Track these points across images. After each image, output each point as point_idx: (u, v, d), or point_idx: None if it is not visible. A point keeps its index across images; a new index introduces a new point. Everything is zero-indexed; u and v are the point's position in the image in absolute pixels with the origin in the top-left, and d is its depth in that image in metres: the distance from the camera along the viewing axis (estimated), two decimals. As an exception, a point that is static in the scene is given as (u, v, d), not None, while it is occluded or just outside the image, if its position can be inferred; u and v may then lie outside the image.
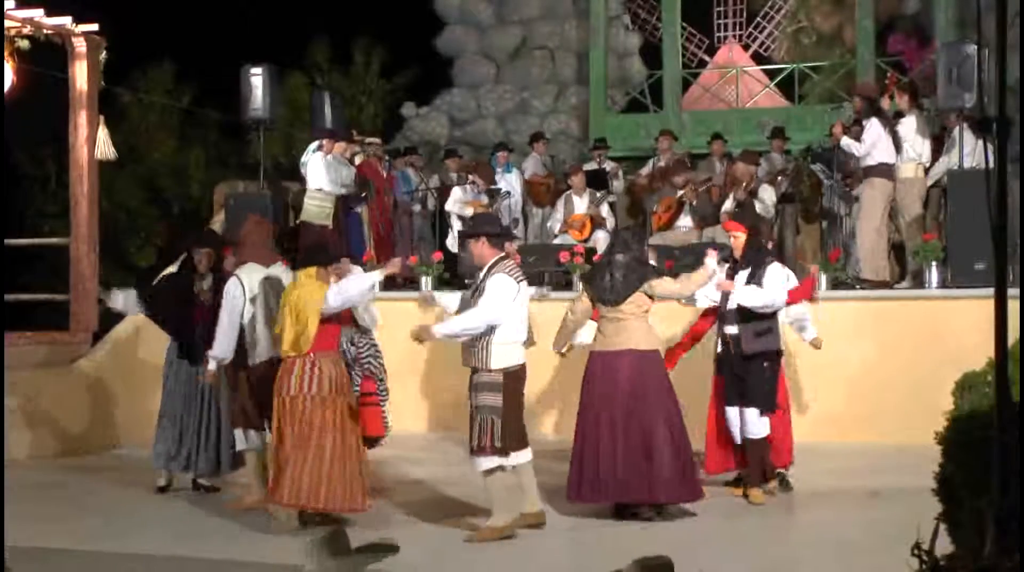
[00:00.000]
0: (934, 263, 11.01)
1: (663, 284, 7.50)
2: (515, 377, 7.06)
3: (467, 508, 7.75)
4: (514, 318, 7.01)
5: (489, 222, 7.52)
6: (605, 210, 13.43)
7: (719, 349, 8.11)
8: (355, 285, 7.32)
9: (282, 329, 7.26)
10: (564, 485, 7.51)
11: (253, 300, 7.91)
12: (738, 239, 8.13)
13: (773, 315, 7.96)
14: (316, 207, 12.31)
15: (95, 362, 11.39)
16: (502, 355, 6.97)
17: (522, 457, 7.14)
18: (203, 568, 6.67)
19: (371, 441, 9.40)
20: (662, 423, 7.30)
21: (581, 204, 13.16)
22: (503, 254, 7.17)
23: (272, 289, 7.91)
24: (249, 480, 8.28)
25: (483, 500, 7.25)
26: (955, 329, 10.16)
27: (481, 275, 7.10)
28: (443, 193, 13.87)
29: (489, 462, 6.97)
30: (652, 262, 7.99)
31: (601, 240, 12.89)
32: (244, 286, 7.92)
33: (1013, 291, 4.32)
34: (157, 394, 9.35)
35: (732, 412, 8.02)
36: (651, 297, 7.47)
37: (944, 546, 3.97)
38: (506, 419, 6.96)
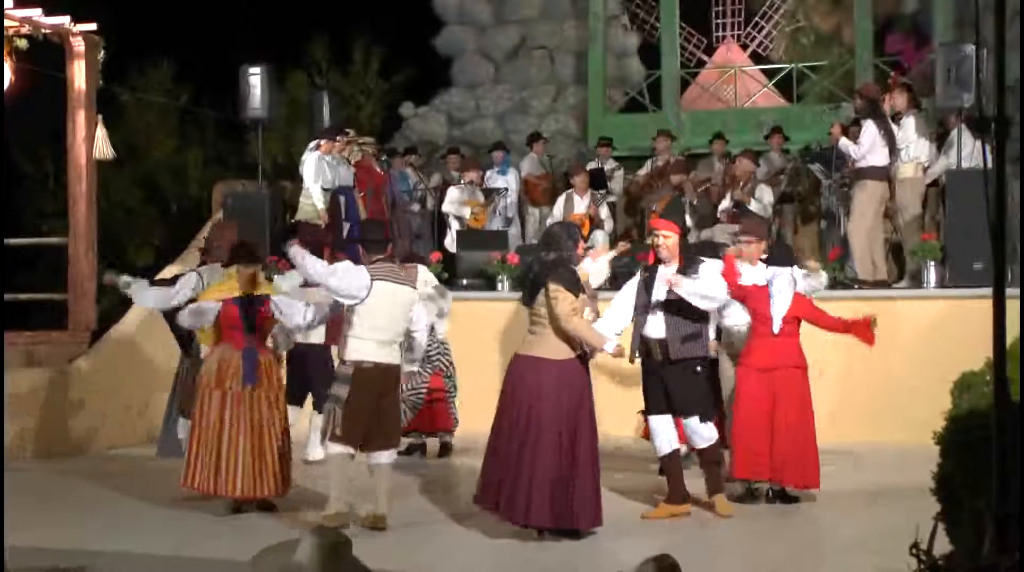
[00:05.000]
0: (932, 263, 11.03)
1: (559, 300, 6.83)
2: (367, 374, 7.14)
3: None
4: (370, 314, 7.15)
5: (368, 231, 7.92)
6: (604, 211, 13.43)
7: (642, 356, 7.55)
8: (287, 310, 7.74)
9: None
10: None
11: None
12: (668, 239, 7.52)
13: (701, 319, 7.54)
14: (312, 206, 12.32)
15: (93, 362, 11.38)
16: (354, 348, 7.17)
17: (380, 458, 7.31)
18: (204, 568, 6.66)
19: (441, 435, 10.13)
20: (553, 441, 6.81)
21: (581, 204, 13.16)
22: (382, 256, 7.38)
23: None
24: None
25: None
26: (953, 329, 10.18)
27: None
28: (444, 192, 13.90)
29: (332, 448, 7.19)
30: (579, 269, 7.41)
31: (600, 241, 12.90)
32: (204, 281, 8.53)
33: (1011, 291, 4.32)
34: (155, 394, 9.41)
35: (663, 420, 7.57)
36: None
37: (943, 546, 3.97)
38: (349, 412, 7.10)
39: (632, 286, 7.69)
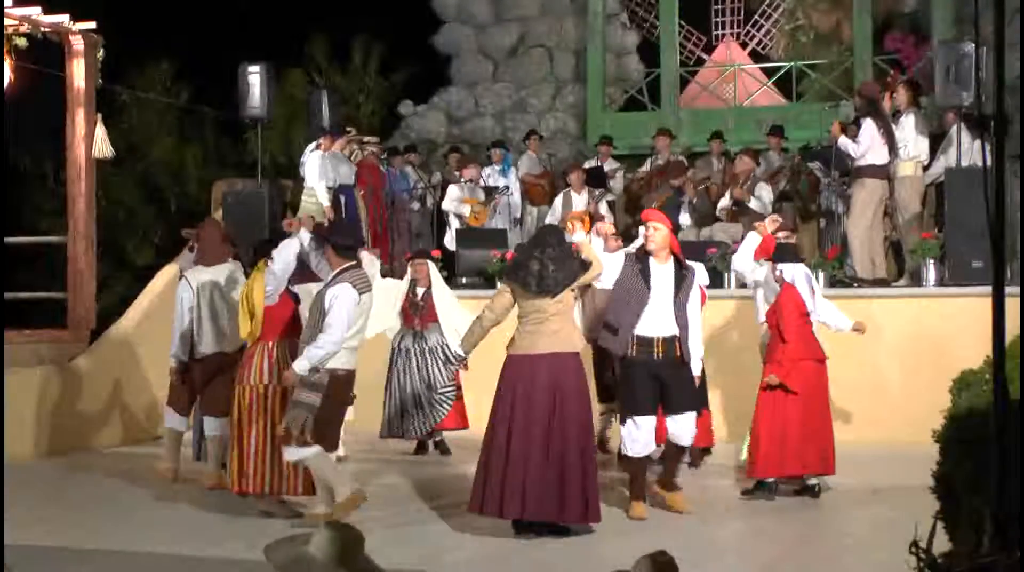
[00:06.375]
0: (931, 261, 11.03)
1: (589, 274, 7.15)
2: (340, 382, 7.15)
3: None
4: (349, 326, 7.11)
5: (340, 232, 7.74)
6: (604, 208, 13.43)
7: (633, 353, 7.47)
8: (279, 255, 7.62)
9: (239, 321, 7.67)
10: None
11: (199, 298, 8.52)
12: (658, 231, 7.49)
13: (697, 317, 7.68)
14: (313, 205, 12.33)
15: (93, 360, 11.38)
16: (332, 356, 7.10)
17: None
18: (206, 567, 6.66)
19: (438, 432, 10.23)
20: (577, 435, 6.89)
21: (580, 202, 13.15)
22: (353, 262, 7.28)
23: (216, 287, 8.52)
24: (165, 455, 8.77)
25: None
26: (952, 327, 10.18)
27: (328, 280, 7.27)
28: (445, 190, 13.91)
29: (295, 453, 7.14)
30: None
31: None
32: (192, 287, 8.54)
33: (1011, 289, 4.32)
34: (154, 392, 9.42)
35: (650, 421, 7.50)
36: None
37: (942, 544, 3.97)
38: (320, 418, 7.06)
39: (616, 264, 7.61)
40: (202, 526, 7.58)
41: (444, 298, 10.01)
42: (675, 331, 7.45)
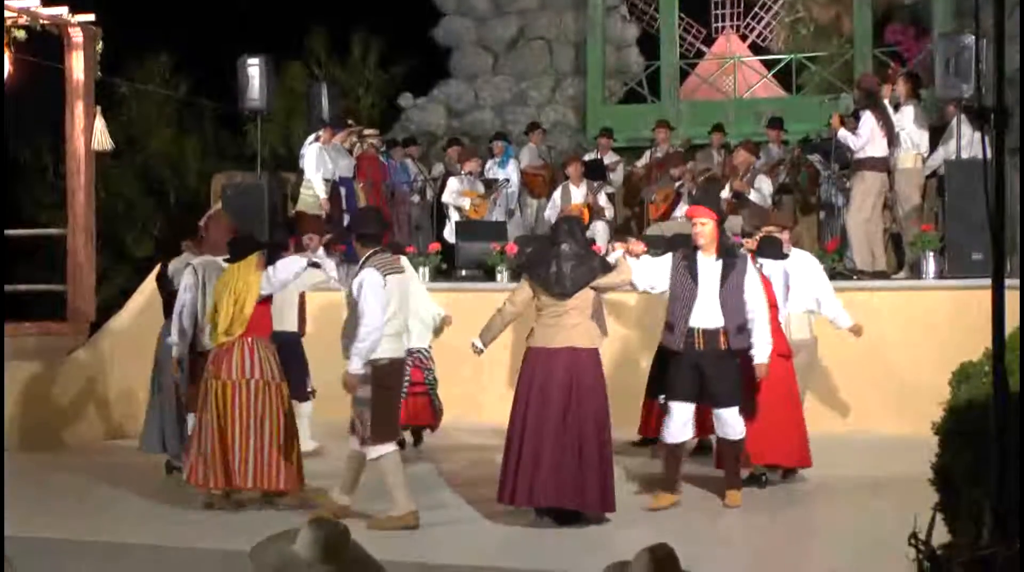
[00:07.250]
0: (931, 253, 11.03)
1: (608, 278, 7.17)
2: (385, 370, 7.08)
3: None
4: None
5: (362, 222, 7.64)
6: (604, 200, 13.42)
7: (680, 345, 7.46)
8: (284, 269, 7.66)
9: (217, 315, 7.59)
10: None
11: (205, 286, 8.29)
12: (705, 226, 7.51)
13: (751, 309, 7.54)
14: (311, 197, 12.33)
15: (92, 353, 11.38)
16: None
17: (382, 450, 7.16)
18: (204, 559, 6.67)
19: (419, 430, 10.04)
20: (594, 429, 6.94)
21: (578, 194, 13.13)
22: (378, 248, 7.24)
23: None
24: None
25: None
26: (952, 319, 10.17)
27: (356, 269, 7.24)
28: (444, 183, 13.91)
29: (376, 451, 7.07)
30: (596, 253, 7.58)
31: (600, 231, 12.88)
32: (198, 275, 8.33)
33: (1011, 282, 4.33)
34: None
35: (686, 409, 7.48)
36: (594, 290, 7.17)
37: (942, 535, 3.98)
38: (378, 411, 7.03)
39: (665, 264, 7.63)
40: (200, 518, 7.58)
41: (411, 289, 9.88)
42: (719, 323, 7.44)
